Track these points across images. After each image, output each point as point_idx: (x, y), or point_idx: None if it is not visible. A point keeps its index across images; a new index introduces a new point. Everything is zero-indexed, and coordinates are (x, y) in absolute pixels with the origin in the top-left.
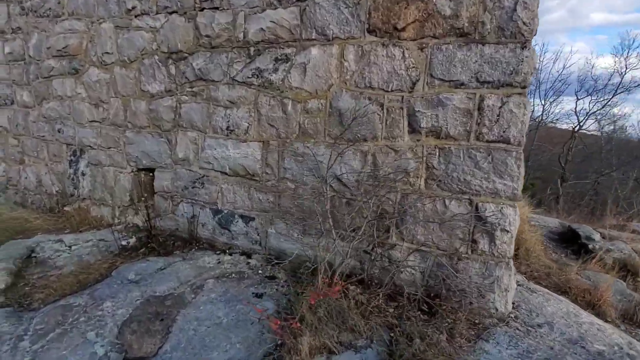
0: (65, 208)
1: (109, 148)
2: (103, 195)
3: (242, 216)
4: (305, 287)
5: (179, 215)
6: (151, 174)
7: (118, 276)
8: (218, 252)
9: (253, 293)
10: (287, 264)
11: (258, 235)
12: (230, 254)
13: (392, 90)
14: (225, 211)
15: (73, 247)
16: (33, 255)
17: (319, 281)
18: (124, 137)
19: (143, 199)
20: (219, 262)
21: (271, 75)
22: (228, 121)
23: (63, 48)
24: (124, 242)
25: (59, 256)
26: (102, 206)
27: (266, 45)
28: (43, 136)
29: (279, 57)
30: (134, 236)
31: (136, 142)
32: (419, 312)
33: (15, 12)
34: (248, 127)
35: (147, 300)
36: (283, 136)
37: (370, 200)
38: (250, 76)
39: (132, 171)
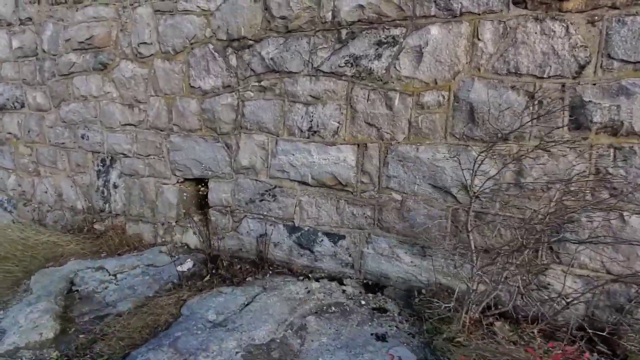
0: (95, 226)
1: (148, 156)
2: (142, 211)
3: (327, 234)
4: (437, 324)
5: (243, 233)
6: (200, 185)
7: (193, 316)
8: (300, 278)
9: (372, 334)
10: (392, 291)
11: (350, 256)
12: (317, 280)
13: (548, 77)
14: (306, 229)
15: (119, 276)
16: (74, 288)
17: (464, 319)
18: (167, 143)
19: (198, 214)
20: (308, 291)
21: (371, 63)
22: (310, 120)
23: (86, 40)
24: (181, 268)
25: (105, 288)
26: (140, 223)
27: (364, 27)
28: (62, 143)
29: (383, 40)
30: (189, 259)
31: (184, 149)
32: (601, 357)
33: (24, 0)
34: (338, 127)
35: (249, 352)
36: (387, 137)
37: (514, 216)
38: (341, 65)
39: (177, 182)
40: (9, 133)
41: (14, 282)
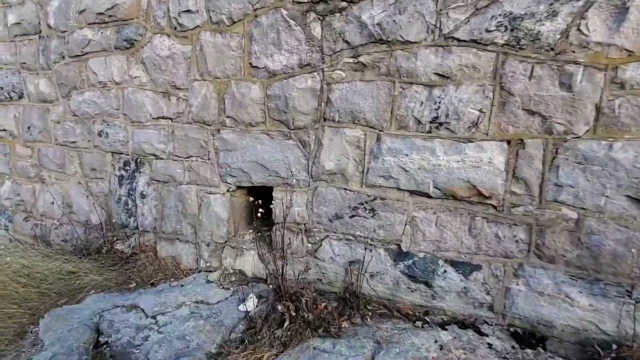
0: (117, 246)
1: (189, 157)
2: (179, 228)
3: (453, 263)
4: None
5: (325, 259)
6: (252, 196)
7: None
8: (417, 323)
9: None
10: (558, 345)
11: (488, 294)
12: (441, 326)
13: None
14: (421, 255)
15: (161, 320)
16: (102, 339)
17: None
18: (216, 141)
19: (249, 232)
20: (440, 346)
21: (539, 25)
22: (436, 108)
23: (107, 10)
24: (245, 307)
25: (145, 339)
26: (177, 243)
27: None
28: (73, 142)
29: None
30: (252, 294)
31: (240, 148)
32: None
33: None
34: (479, 117)
35: None
36: (559, 130)
37: None
38: (489, 29)
39: (228, 191)
40: (3, 130)
41: (16, 330)
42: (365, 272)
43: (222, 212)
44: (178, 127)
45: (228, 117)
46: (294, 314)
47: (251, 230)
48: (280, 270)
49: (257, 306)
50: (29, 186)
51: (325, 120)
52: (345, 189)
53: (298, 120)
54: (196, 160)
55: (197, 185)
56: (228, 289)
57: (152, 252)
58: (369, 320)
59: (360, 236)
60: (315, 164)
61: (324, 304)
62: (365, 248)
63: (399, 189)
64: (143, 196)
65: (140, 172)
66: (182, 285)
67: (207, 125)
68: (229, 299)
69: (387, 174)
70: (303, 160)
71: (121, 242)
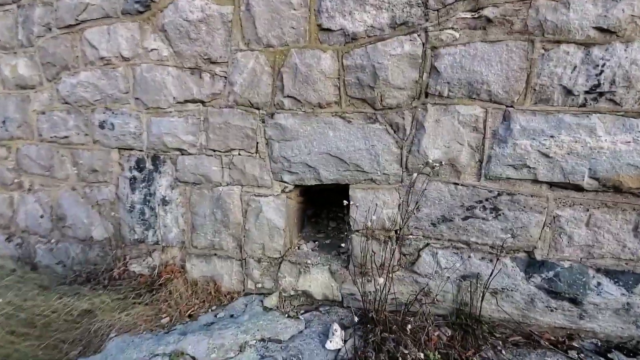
0: (133, 268)
1: (229, 151)
2: (217, 241)
3: (609, 272)
4: None
5: (427, 274)
6: (303, 197)
7: None
8: (566, 351)
9: None
10: None
11: None
12: (603, 354)
13: None
14: (566, 264)
15: None
16: None
17: None
18: (268, 128)
19: (304, 240)
20: None
21: None
22: (597, 74)
23: None
24: (332, 345)
25: None
26: (215, 260)
27: None
28: (64, 137)
29: None
30: (335, 325)
31: (303, 136)
32: None
33: None
34: None
35: None
36: None
37: None
38: None
39: (284, 191)
40: None
41: None
42: (487, 288)
43: (277, 218)
44: (214, 112)
45: (287, 96)
46: (405, 351)
47: (305, 240)
48: (376, 291)
49: (345, 340)
50: (4, 195)
51: (427, 96)
52: (456, 183)
53: (389, 97)
54: (239, 154)
55: (242, 186)
56: (297, 317)
57: (179, 273)
58: (503, 352)
59: (477, 243)
60: (412, 153)
61: (436, 334)
62: (483, 258)
63: (535, 180)
64: (165, 203)
65: (160, 173)
66: (233, 316)
67: (256, 108)
68: (305, 333)
69: (518, 162)
70: (395, 148)
71: (137, 262)
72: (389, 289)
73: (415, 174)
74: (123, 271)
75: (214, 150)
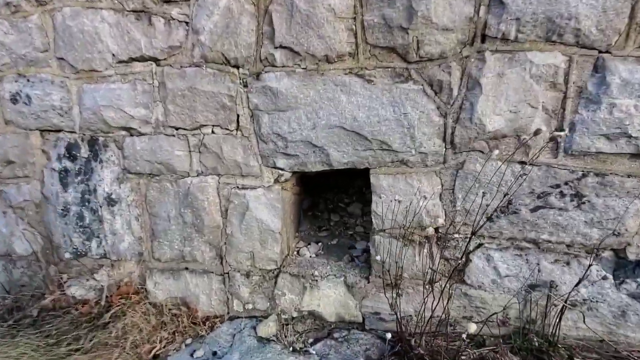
0: (73, 291)
1: (198, 129)
2: (188, 251)
3: None
4: None
5: (480, 284)
6: (299, 187)
7: None
8: None
9: None
10: None
11: None
12: None
13: None
14: None
15: None
16: None
17: None
18: (253, 94)
19: (319, 242)
20: None
21: None
22: None
23: None
24: None
25: None
26: (186, 276)
27: None
28: None
29: None
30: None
31: (304, 104)
32: None
33: None
34: None
35: None
36: None
37: None
38: None
39: (277, 181)
40: None
41: None
42: (567, 301)
43: (270, 218)
44: (173, 74)
45: (279, 47)
46: None
47: (305, 241)
48: (423, 312)
49: None
50: None
51: (485, 40)
52: (524, 162)
53: (429, 43)
54: (213, 132)
55: (219, 176)
56: (306, 351)
57: (137, 296)
58: None
59: (549, 241)
60: (461, 122)
61: None
62: (557, 260)
63: (635, 155)
64: (112, 202)
65: (101, 162)
66: (217, 355)
67: (234, 66)
68: None
69: (616, 131)
70: (436, 117)
71: (78, 284)
72: (434, 306)
73: (464, 152)
74: (59, 297)
75: (177, 129)
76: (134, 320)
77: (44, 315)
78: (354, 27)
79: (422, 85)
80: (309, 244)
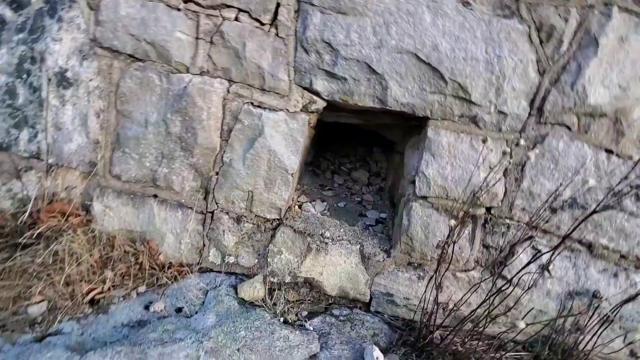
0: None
1: (217, 8)
2: (165, 173)
3: None
4: None
5: (521, 281)
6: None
7: None
8: None
9: None
10: None
11: None
12: None
13: None
14: None
15: None
16: None
17: None
18: None
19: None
20: None
21: None
22: None
23: None
24: None
25: None
26: (153, 205)
27: None
28: None
29: None
30: (380, 355)
31: (373, 12)
32: None
33: None
34: None
35: None
36: None
37: None
38: None
39: (306, 109)
40: None
41: None
42: (608, 315)
43: (286, 153)
44: None
45: None
46: None
47: (308, 197)
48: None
49: None
50: None
51: None
52: (610, 151)
53: None
54: (237, 19)
55: (230, 82)
56: (301, 325)
57: (78, 219)
58: None
59: (605, 247)
60: (559, 86)
61: None
62: (605, 270)
63: None
64: (65, 82)
65: (59, 21)
66: (182, 312)
67: None
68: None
69: None
70: (532, 72)
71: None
72: (466, 299)
73: (550, 124)
74: None
75: (187, 1)
76: (72, 247)
77: None
78: None
79: (529, 27)
80: (314, 200)
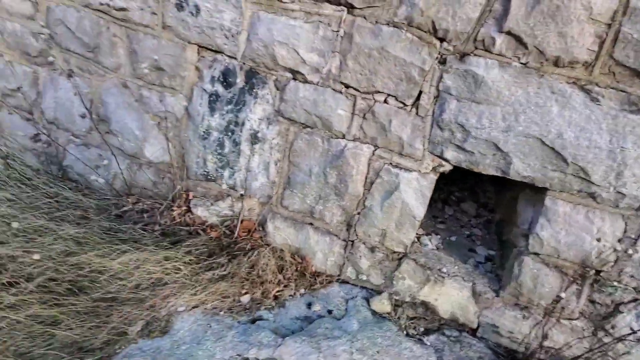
0: (198, 212)
1: (371, 94)
2: (320, 209)
3: None
4: None
5: (619, 335)
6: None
7: None
8: None
9: None
10: None
11: None
12: None
13: None
14: None
15: None
16: None
17: None
18: (448, 75)
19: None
20: None
21: None
22: None
23: None
24: None
25: None
26: (309, 231)
27: None
28: (121, 10)
29: None
30: None
31: (505, 103)
32: None
33: None
34: None
35: None
36: None
37: None
38: None
39: (435, 170)
40: None
41: None
42: None
43: (416, 205)
44: (364, 28)
45: (505, 32)
46: None
47: (425, 230)
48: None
49: None
50: (26, 68)
51: None
52: None
53: None
54: (386, 102)
55: (375, 147)
56: (420, 341)
57: (257, 234)
58: None
59: None
60: None
61: None
62: None
63: None
64: (256, 140)
65: (255, 97)
66: (332, 314)
67: (439, 39)
68: None
69: None
70: None
71: (203, 205)
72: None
73: None
74: (185, 212)
75: (347, 87)
76: (265, 258)
77: (172, 227)
78: (604, 35)
79: None
80: (430, 234)
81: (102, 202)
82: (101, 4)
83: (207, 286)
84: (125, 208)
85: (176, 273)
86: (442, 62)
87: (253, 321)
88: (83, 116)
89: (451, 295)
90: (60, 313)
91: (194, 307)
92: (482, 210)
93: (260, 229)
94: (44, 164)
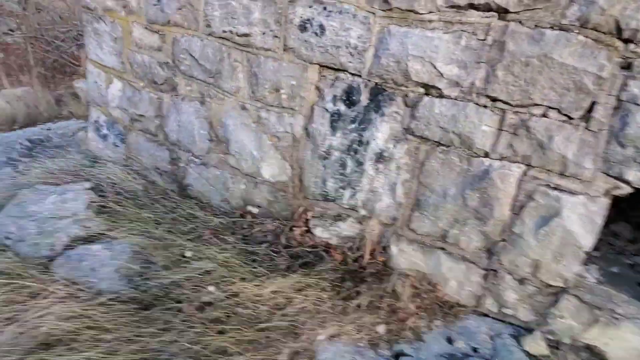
0: (318, 232)
1: (528, 107)
2: (454, 233)
3: None
4: None
5: None
6: None
7: None
8: None
9: None
10: None
11: None
12: None
13: None
14: None
15: None
16: None
17: None
18: (635, 82)
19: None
20: None
21: None
22: None
23: None
24: None
25: None
26: (441, 256)
27: None
28: (243, 36)
29: None
30: None
31: None
32: None
33: None
34: None
35: None
36: None
37: None
38: None
39: (608, 193)
40: None
41: None
42: None
43: (582, 233)
44: (520, 34)
45: None
46: None
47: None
48: None
49: None
50: (152, 95)
51: None
52: None
53: None
54: (546, 116)
55: (527, 166)
56: None
57: (380, 256)
58: None
59: None
60: None
61: None
62: None
63: None
64: (381, 159)
65: (381, 115)
66: (478, 352)
67: (623, 40)
68: None
69: None
70: None
71: (321, 225)
72: None
73: None
74: (304, 232)
75: (494, 100)
76: (397, 286)
77: (295, 247)
78: None
79: None
80: (585, 262)
81: (223, 220)
82: (224, 32)
83: (344, 315)
84: (252, 228)
85: (319, 299)
86: (627, 66)
87: (396, 356)
88: (210, 140)
89: (628, 341)
90: (230, 343)
91: (331, 337)
92: (638, 233)
93: (382, 251)
94: (166, 182)
